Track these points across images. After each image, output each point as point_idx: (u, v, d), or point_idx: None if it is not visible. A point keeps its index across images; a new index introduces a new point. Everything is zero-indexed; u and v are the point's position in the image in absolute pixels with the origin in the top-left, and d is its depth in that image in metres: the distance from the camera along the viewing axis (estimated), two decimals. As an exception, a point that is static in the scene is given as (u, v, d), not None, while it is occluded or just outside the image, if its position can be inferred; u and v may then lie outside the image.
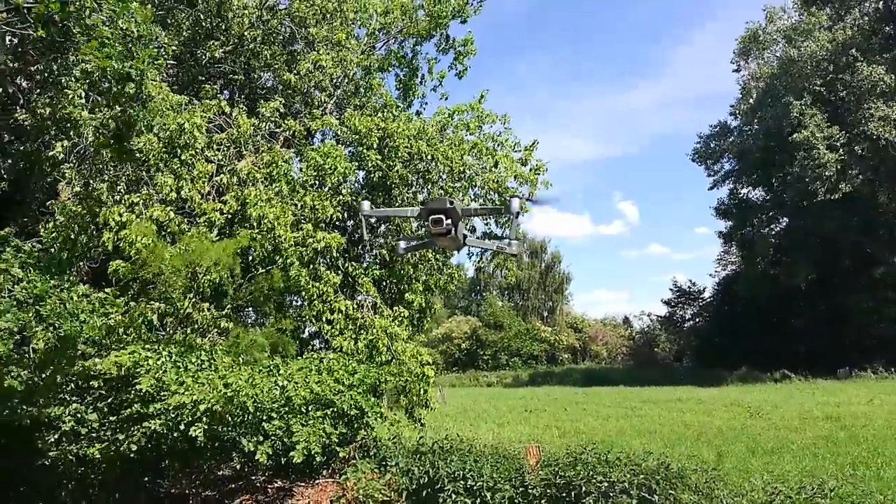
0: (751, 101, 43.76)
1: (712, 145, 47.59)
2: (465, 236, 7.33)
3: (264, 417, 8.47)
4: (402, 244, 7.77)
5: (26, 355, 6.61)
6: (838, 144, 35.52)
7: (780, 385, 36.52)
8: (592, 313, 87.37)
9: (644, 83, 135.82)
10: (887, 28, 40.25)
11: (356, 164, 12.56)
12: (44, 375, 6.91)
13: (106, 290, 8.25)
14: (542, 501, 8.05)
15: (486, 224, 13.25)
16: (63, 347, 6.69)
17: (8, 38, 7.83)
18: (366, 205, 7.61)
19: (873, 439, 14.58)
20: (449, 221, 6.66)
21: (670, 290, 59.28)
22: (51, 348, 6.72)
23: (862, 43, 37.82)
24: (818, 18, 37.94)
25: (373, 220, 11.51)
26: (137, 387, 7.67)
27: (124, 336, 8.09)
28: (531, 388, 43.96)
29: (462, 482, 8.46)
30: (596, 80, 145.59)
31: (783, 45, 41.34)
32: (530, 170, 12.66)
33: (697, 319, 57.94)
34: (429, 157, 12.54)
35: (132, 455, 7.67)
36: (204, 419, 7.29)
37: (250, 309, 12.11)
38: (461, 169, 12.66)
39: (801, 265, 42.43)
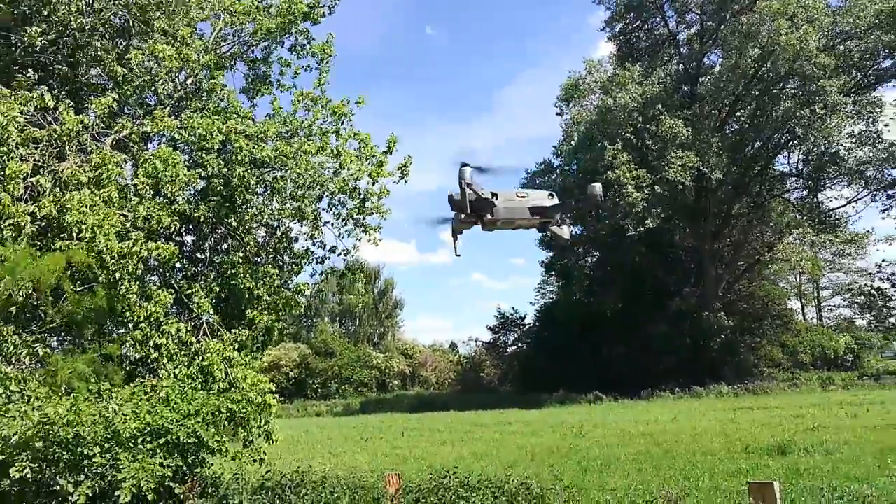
0: (572, 143, 47.54)
1: (537, 181, 50.88)
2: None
3: (87, 452, 7.36)
4: (468, 171, 7.38)
5: None
6: (644, 185, 39.64)
7: (594, 406, 39.42)
8: (422, 340, 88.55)
9: (483, 123, 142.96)
10: (685, 88, 46.08)
11: (198, 171, 11.50)
12: None
13: None
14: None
15: (340, 236, 12.68)
16: None
17: None
18: (467, 171, 7.43)
19: (685, 453, 16.06)
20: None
21: (495, 316, 62.08)
22: None
23: (666, 98, 42.85)
24: (631, 73, 42.39)
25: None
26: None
27: None
28: (363, 416, 43.33)
29: (319, 516, 7.94)
30: (436, 118, 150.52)
31: (600, 94, 45.59)
32: (390, 173, 12.19)
33: (519, 345, 61.04)
34: (273, 161, 11.78)
35: None
36: (26, 459, 6.12)
37: (69, 333, 10.56)
38: (311, 176, 11.96)
39: (610, 295, 46.58)
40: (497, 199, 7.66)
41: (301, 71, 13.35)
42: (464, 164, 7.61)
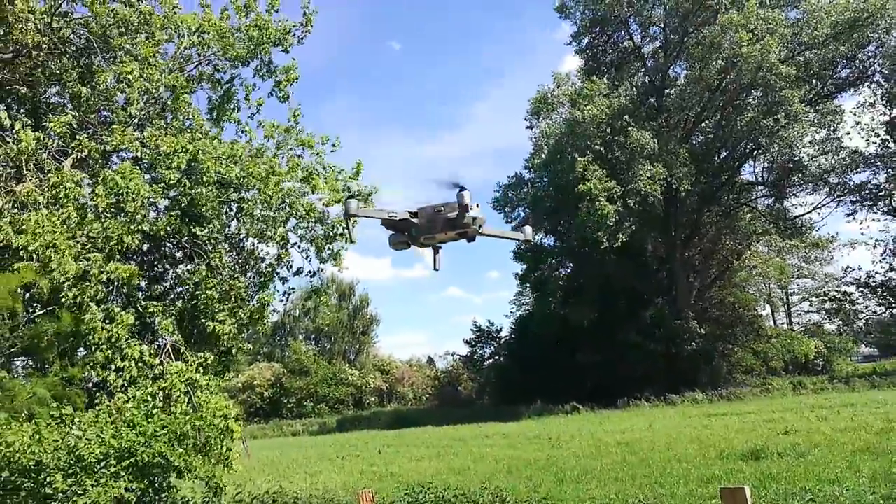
0: (543, 155, 47.88)
1: (510, 195, 51.09)
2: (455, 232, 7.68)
3: (49, 479, 7.17)
4: (353, 203, 7.58)
5: None
6: (616, 197, 39.98)
7: (570, 416, 39.40)
8: (399, 355, 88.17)
9: (449, 136, 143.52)
10: (651, 99, 46.79)
11: (160, 186, 11.29)
12: None
13: None
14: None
15: (308, 258, 12.59)
16: None
17: None
18: (353, 203, 7.61)
19: (660, 461, 16.10)
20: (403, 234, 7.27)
21: (471, 330, 61.83)
22: None
23: (633, 110, 43.42)
24: (598, 86, 42.88)
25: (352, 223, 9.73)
26: None
27: None
28: (340, 434, 42.84)
29: (290, 538, 7.77)
30: (401, 130, 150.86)
31: (569, 107, 46.04)
32: (355, 196, 12.25)
33: (496, 357, 60.91)
34: (241, 182, 11.68)
35: None
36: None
37: (30, 356, 10.26)
38: (279, 197, 11.92)
39: (584, 306, 46.69)
40: (417, 217, 7.94)
41: (264, 99, 13.37)
42: (349, 197, 8.19)
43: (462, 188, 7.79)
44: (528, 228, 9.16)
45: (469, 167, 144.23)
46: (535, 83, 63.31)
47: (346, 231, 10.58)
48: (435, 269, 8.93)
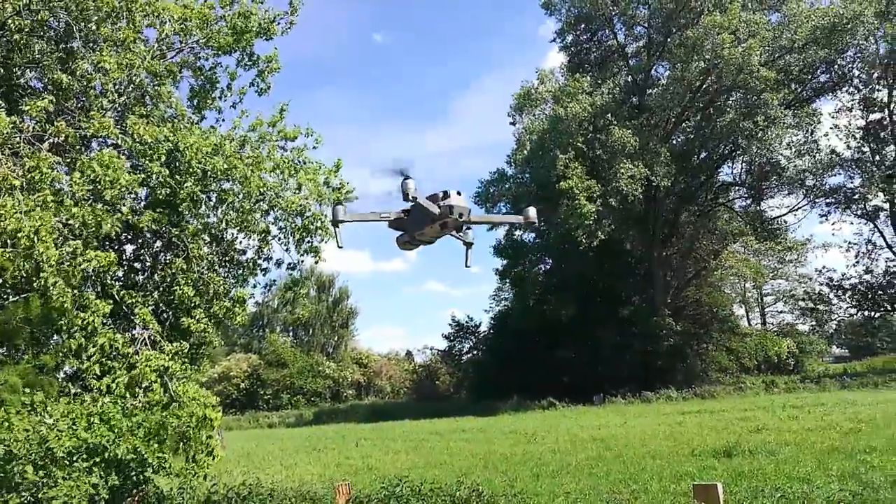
0: (525, 151, 47.99)
1: (492, 190, 51.10)
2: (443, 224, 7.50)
3: (18, 469, 7.07)
4: (341, 209, 7.46)
5: None
6: (595, 196, 40.21)
7: (547, 412, 39.65)
8: (378, 348, 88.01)
9: (449, 129, 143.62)
10: (633, 98, 47.10)
11: (140, 176, 11.10)
12: None
13: None
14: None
15: (287, 250, 12.49)
16: None
17: None
18: (340, 209, 7.42)
19: (634, 457, 16.30)
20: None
21: (450, 324, 61.84)
22: None
23: (615, 109, 43.66)
24: (581, 84, 43.03)
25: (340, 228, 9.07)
26: None
27: None
28: (316, 426, 42.74)
29: (265, 531, 7.74)
30: (401, 125, 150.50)
31: (552, 104, 46.14)
32: (333, 189, 12.22)
33: (474, 352, 61.01)
34: (224, 176, 11.54)
35: None
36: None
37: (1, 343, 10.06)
38: (260, 190, 11.82)
39: (562, 303, 46.97)
40: (408, 216, 7.83)
41: (247, 88, 13.23)
42: (336, 204, 8.21)
43: (406, 177, 7.30)
44: (532, 210, 8.60)
45: (470, 160, 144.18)
46: (522, 79, 63.48)
47: (333, 235, 10.53)
48: (466, 265, 8.90)
